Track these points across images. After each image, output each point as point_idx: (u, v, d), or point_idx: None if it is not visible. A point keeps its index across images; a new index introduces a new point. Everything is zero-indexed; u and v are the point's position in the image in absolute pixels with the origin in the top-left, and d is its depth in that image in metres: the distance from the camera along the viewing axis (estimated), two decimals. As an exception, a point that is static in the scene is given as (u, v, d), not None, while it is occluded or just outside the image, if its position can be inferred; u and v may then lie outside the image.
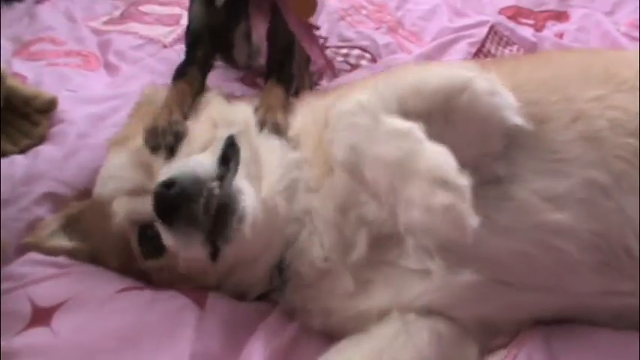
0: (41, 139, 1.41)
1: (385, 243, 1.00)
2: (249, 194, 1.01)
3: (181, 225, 0.98)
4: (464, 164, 0.85)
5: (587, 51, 1.53)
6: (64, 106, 1.46)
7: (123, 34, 1.86)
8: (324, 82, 1.71)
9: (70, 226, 1.18)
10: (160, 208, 0.98)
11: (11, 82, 1.40)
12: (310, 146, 1.09)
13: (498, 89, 0.98)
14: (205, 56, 1.29)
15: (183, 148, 1.09)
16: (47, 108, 1.43)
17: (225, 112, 1.17)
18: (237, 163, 1.06)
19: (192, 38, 1.30)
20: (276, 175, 1.07)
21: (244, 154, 1.07)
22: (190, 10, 1.30)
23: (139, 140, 1.11)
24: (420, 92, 0.95)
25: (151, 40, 1.80)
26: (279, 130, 1.11)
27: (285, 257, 1.05)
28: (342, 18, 1.95)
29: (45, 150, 1.37)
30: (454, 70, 1.01)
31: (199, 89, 1.25)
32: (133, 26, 1.91)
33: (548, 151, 0.99)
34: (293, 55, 1.34)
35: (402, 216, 0.84)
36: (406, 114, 0.92)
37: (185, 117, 1.16)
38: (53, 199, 1.26)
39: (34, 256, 1.13)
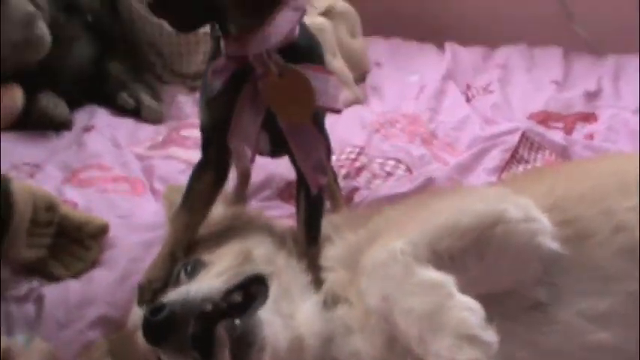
0: (93, 264, 1.46)
1: None
2: (274, 326, 1.01)
3: (171, 351, 1.00)
4: (503, 292, 0.87)
5: (620, 157, 1.54)
6: (114, 232, 1.52)
7: (166, 159, 1.93)
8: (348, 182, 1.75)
9: (113, 350, 1.20)
10: (148, 335, 0.99)
11: (64, 209, 1.46)
12: (348, 286, 1.09)
13: (532, 214, 1.00)
14: (218, 154, 1.27)
15: (200, 276, 1.12)
16: (99, 233, 1.49)
17: (262, 251, 1.18)
18: (264, 298, 1.07)
19: (204, 139, 1.30)
20: (311, 316, 1.07)
21: (275, 291, 1.08)
22: (199, 112, 1.31)
23: None
24: (453, 233, 0.98)
25: (191, 165, 1.84)
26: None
27: None
28: (377, 131, 2.00)
29: (98, 274, 1.42)
30: (486, 203, 1.03)
31: (214, 194, 1.27)
32: (175, 151, 1.97)
33: (590, 269, 1.00)
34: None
35: None
36: (440, 256, 0.96)
37: (175, 261, 1.18)
38: (106, 323, 1.30)
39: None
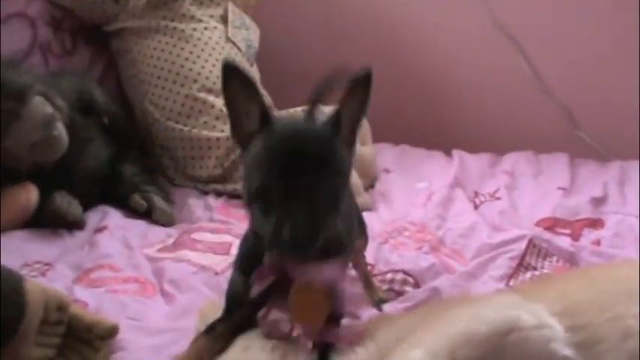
0: (102, 365, 1.46)
1: None
2: None
3: None
4: None
5: (628, 263, 1.56)
6: (124, 334, 1.51)
7: (176, 262, 1.94)
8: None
9: None
10: None
11: (74, 309, 1.46)
12: None
13: (545, 321, 1.01)
14: (241, 320, 1.28)
15: None
16: (108, 335, 1.48)
17: None
18: None
19: (231, 303, 1.30)
20: None
21: None
22: (231, 277, 1.32)
23: None
24: (470, 342, 0.99)
25: (202, 268, 1.85)
26: None
27: None
28: (385, 241, 2.01)
29: (106, 378, 1.42)
30: (499, 311, 1.03)
31: (225, 345, 1.26)
32: (186, 254, 1.98)
33: None
34: None
35: None
36: None
37: None
38: None
39: None
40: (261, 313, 1.23)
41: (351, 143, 1.20)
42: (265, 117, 1.17)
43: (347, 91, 1.16)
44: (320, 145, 1.11)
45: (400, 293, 1.78)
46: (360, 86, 1.15)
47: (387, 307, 1.69)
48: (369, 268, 1.80)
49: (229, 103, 1.18)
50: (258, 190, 1.11)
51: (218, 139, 2.46)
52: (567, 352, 0.99)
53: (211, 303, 1.43)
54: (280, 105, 2.45)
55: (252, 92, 1.17)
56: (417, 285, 1.80)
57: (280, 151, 1.10)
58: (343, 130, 1.17)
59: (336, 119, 1.16)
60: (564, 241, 2.00)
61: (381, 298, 1.73)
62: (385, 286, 1.80)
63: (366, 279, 1.74)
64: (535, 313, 1.01)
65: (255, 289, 1.17)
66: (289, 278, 1.17)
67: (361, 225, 1.65)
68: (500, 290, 1.67)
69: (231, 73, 1.16)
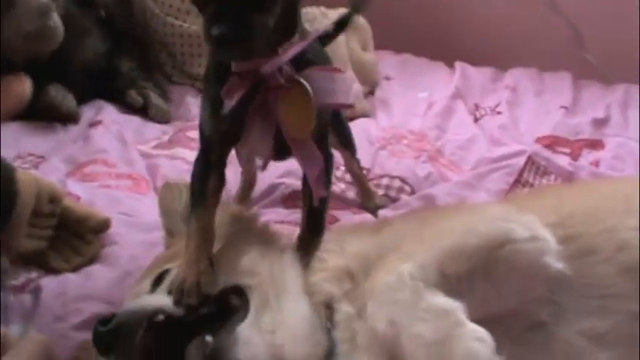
0: (93, 259, 1.45)
1: None
2: (252, 345, 0.96)
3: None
4: (507, 311, 0.86)
5: (626, 180, 1.55)
6: (116, 229, 1.51)
7: (171, 159, 1.93)
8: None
9: None
10: (96, 344, 0.99)
11: (66, 201, 1.46)
12: (353, 299, 1.05)
13: (539, 233, 1.00)
14: (219, 157, 1.25)
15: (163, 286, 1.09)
16: (100, 228, 1.48)
17: (245, 261, 1.12)
18: (244, 312, 1.02)
19: (205, 144, 1.26)
20: (299, 332, 1.03)
21: (257, 305, 1.03)
22: (200, 117, 1.28)
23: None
24: (460, 255, 0.97)
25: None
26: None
27: None
28: (383, 147, 1.99)
29: (97, 271, 1.42)
30: (492, 223, 1.02)
31: (218, 196, 1.24)
32: (181, 151, 1.97)
33: (591, 288, 1.00)
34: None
35: None
36: (448, 278, 0.95)
37: (212, 263, 1.12)
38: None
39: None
40: (239, 144, 1.21)
41: None
42: None
43: None
44: None
45: (396, 200, 1.78)
46: None
47: (381, 213, 1.70)
48: (364, 172, 1.79)
49: None
50: None
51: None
52: (559, 265, 0.98)
53: (172, 187, 1.36)
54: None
55: None
56: (413, 193, 1.80)
57: None
58: None
59: None
60: (563, 160, 1.99)
61: (376, 204, 1.73)
62: (381, 192, 1.80)
63: (362, 184, 1.74)
64: (528, 225, 1.00)
65: (227, 105, 1.13)
66: (258, 85, 1.13)
67: (349, 137, 1.66)
68: (495, 200, 1.66)
69: None
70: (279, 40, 1.13)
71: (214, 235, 1.17)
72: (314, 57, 1.19)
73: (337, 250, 1.13)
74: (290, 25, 1.14)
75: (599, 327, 0.97)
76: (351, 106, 1.25)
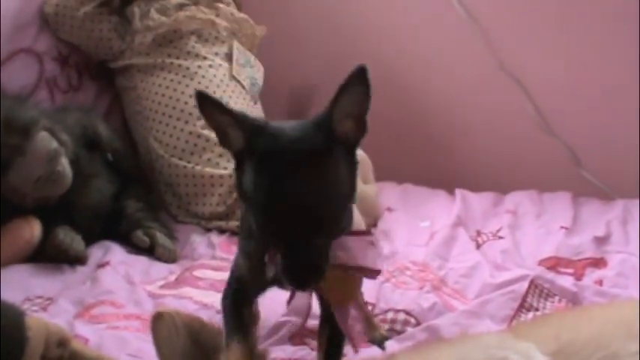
0: (102, 404, 1.45)
1: None
2: None
3: None
4: None
5: (628, 303, 1.55)
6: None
7: (178, 299, 1.93)
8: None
9: None
10: None
11: (75, 345, 1.46)
12: None
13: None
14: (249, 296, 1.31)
15: None
16: (108, 372, 1.48)
17: None
18: None
19: (238, 284, 1.32)
20: None
21: None
22: (235, 263, 1.33)
23: None
24: None
25: (204, 306, 1.85)
26: None
27: None
28: (387, 280, 2.00)
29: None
30: (487, 351, 1.04)
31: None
32: (188, 291, 1.98)
33: None
34: None
35: None
36: None
37: None
38: None
39: None
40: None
41: (356, 137, 1.17)
42: (249, 132, 1.16)
43: (342, 87, 1.13)
44: (314, 186, 1.10)
45: (401, 333, 1.77)
46: (357, 79, 1.12)
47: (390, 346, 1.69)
48: (369, 307, 1.79)
49: (213, 127, 1.19)
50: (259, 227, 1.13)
51: (221, 176, 2.47)
52: None
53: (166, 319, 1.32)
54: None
55: (224, 111, 1.16)
56: (418, 325, 1.79)
57: (272, 198, 1.10)
58: (339, 124, 1.15)
59: (326, 117, 1.15)
60: (567, 281, 1.99)
61: (383, 335, 1.72)
62: (386, 326, 1.80)
63: (367, 317, 1.74)
64: (525, 353, 1.01)
65: (270, 269, 1.17)
66: None
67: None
68: (499, 330, 1.65)
69: (203, 101, 1.16)
70: None
71: None
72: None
73: None
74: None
75: None
76: (379, 272, 1.25)
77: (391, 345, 1.69)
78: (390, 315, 1.84)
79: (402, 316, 1.82)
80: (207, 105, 1.16)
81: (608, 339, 1.08)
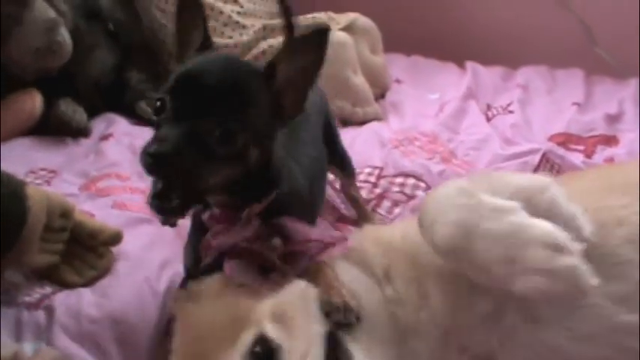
0: (106, 272, 1.44)
1: None
2: None
3: None
4: None
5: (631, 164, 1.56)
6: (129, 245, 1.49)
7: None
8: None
9: None
10: None
11: (78, 215, 1.45)
12: (396, 282, 1.08)
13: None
14: None
15: None
16: (112, 242, 1.47)
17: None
18: None
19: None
20: None
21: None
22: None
23: None
24: (506, 187, 1.01)
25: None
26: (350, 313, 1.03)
27: None
28: (396, 147, 1.98)
29: (112, 290, 1.38)
30: (532, 176, 1.13)
31: None
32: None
33: (606, 255, 1.03)
34: None
35: (520, 283, 0.92)
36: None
37: None
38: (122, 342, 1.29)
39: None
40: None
41: (292, 108, 1.11)
42: (204, 44, 1.15)
43: (293, 44, 1.09)
44: (224, 78, 1.07)
45: (411, 197, 1.77)
46: (312, 44, 1.06)
47: (399, 210, 1.71)
48: (376, 171, 1.79)
49: (179, 28, 1.17)
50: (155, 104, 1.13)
51: (226, 45, 2.41)
52: (592, 228, 1.00)
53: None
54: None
55: (199, 20, 1.15)
56: (429, 189, 1.77)
57: (182, 72, 1.09)
58: (280, 85, 1.09)
59: (268, 68, 1.10)
60: (577, 158, 1.97)
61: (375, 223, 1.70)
62: (396, 189, 1.79)
63: (359, 207, 1.72)
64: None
65: (206, 260, 1.16)
66: None
67: (344, 159, 1.65)
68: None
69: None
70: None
71: None
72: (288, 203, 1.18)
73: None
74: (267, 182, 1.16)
75: (620, 290, 1.00)
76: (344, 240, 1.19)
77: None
78: (399, 179, 1.82)
79: (411, 181, 1.81)
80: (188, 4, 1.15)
81: (608, 190, 1.12)
